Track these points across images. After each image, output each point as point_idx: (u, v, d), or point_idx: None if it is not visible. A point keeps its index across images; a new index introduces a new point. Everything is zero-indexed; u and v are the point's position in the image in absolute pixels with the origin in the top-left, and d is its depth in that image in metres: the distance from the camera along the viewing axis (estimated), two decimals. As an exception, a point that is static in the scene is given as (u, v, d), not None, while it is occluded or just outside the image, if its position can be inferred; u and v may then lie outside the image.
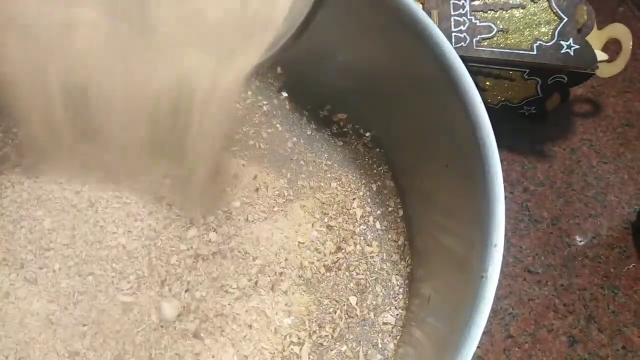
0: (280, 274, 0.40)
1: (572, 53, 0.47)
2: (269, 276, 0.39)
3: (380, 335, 0.38)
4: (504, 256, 0.31)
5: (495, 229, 0.31)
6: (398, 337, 0.38)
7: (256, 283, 0.39)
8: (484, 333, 0.29)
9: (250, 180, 0.43)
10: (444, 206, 0.39)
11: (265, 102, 0.47)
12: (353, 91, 0.47)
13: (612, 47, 0.50)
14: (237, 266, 0.39)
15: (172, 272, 0.38)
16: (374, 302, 0.39)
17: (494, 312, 0.45)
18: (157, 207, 0.40)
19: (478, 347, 0.29)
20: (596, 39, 0.49)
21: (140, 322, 0.36)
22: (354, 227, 0.42)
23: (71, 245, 0.38)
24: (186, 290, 0.38)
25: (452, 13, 0.49)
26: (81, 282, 0.37)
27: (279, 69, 0.49)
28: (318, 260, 0.41)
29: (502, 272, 0.30)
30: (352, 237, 0.42)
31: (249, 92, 0.47)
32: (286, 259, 0.40)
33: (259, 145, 0.45)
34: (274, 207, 0.42)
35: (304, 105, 0.47)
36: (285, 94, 0.48)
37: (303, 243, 0.41)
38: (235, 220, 0.41)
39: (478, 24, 0.48)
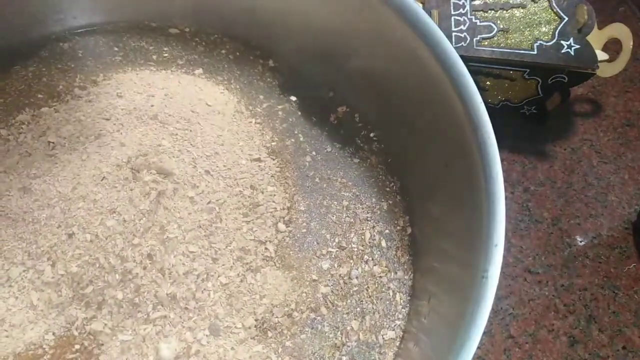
0: (289, 315, 0.38)
1: (572, 53, 0.47)
2: (277, 317, 0.37)
3: (378, 349, 0.38)
4: (504, 256, 0.31)
5: (496, 229, 0.31)
6: (398, 344, 0.38)
7: (263, 323, 0.37)
8: (484, 333, 0.29)
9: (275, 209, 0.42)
10: (444, 207, 0.39)
11: (279, 107, 0.47)
12: (354, 91, 0.47)
13: (613, 46, 0.50)
14: (244, 304, 0.37)
15: (175, 308, 0.36)
16: (372, 322, 0.39)
17: (494, 312, 0.45)
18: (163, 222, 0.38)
19: (478, 347, 0.29)
20: (596, 38, 0.49)
21: None
22: (363, 247, 0.41)
23: (74, 267, 0.36)
24: (189, 328, 0.36)
25: (453, 12, 0.48)
26: (83, 309, 0.36)
27: (270, 62, 0.49)
28: (332, 294, 0.39)
29: (502, 272, 0.30)
30: (362, 258, 0.41)
31: (261, 96, 0.47)
32: (296, 302, 0.38)
33: (281, 156, 0.44)
34: (284, 241, 0.41)
35: (313, 108, 0.47)
36: (294, 98, 0.48)
37: (316, 280, 0.39)
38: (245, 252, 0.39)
39: (478, 23, 0.48)
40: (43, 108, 0.43)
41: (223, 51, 0.49)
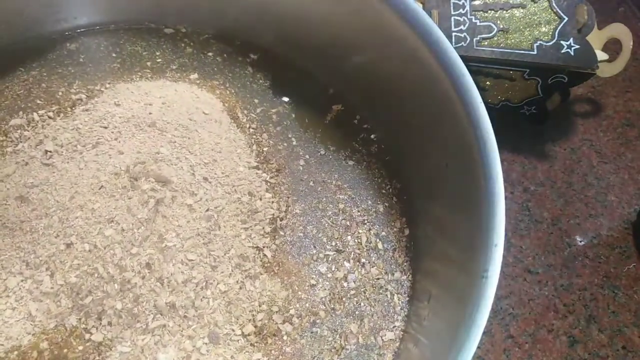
0: (289, 320, 0.38)
1: (572, 53, 0.47)
2: (277, 323, 0.37)
3: (377, 351, 0.38)
4: (504, 256, 0.31)
5: (496, 229, 0.31)
6: (397, 345, 0.38)
7: (262, 330, 0.37)
8: (484, 333, 0.29)
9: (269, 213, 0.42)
10: (444, 207, 0.39)
11: (273, 110, 0.47)
12: (354, 92, 0.47)
13: (613, 47, 0.50)
14: (243, 311, 0.37)
15: (174, 317, 0.36)
16: (371, 324, 0.39)
17: (494, 312, 0.45)
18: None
19: (478, 347, 0.29)
20: (596, 38, 0.49)
21: None
22: (360, 250, 0.41)
23: (73, 277, 0.36)
24: (188, 337, 0.35)
25: (453, 13, 0.48)
26: (83, 319, 0.35)
27: (251, 55, 0.49)
28: (330, 297, 0.39)
29: (502, 272, 0.30)
30: (359, 261, 0.41)
31: (255, 100, 0.47)
32: (295, 307, 0.38)
33: (275, 162, 0.44)
34: (282, 247, 0.41)
35: (307, 109, 0.47)
36: (286, 99, 0.48)
37: (314, 284, 0.39)
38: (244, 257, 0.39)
39: (478, 23, 0.48)
40: (40, 115, 0.43)
41: (210, 53, 0.49)
